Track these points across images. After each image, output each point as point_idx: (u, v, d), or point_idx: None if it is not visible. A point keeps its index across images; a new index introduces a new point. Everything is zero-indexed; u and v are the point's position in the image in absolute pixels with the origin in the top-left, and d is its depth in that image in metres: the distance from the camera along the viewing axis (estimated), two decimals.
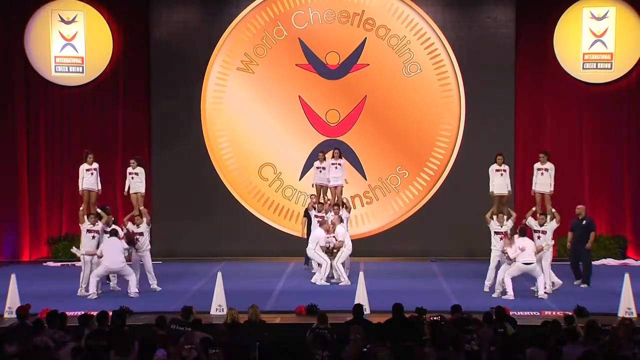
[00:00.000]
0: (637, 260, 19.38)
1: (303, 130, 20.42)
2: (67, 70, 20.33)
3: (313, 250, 16.34)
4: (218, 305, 13.57)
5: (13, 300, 13.38)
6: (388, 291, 14.61)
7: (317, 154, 18.15)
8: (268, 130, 20.45)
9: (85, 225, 15.39)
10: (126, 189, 16.44)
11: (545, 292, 14.78)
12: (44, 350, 8.83)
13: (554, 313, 13.31)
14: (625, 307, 13.37)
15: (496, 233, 15.34)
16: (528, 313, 13.40)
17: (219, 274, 13.83)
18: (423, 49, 20.23)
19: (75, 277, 15.57)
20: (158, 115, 20.38)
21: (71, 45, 20.28)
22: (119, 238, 15.29)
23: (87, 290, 15.00)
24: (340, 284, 16.12)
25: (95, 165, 16.20)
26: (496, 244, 15.31)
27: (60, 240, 19.99)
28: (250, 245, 20.12)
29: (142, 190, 16.30)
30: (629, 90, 20.13)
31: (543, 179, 16.05)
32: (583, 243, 16.16)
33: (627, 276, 13.53)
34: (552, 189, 16.02)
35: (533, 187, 16.22)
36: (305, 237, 17.22)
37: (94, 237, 15.29)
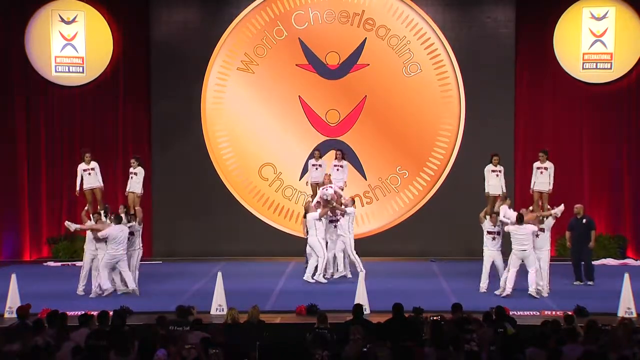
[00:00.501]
0: (636, 260, 19.39)
1: (303, 130, 20.43)
2: (67, 70, 20.35)
3: (315, 237, 16.30)
4: (218, 305, 13.59)
5: (13, 300, 13.39)
6: (388, 291, 14.63)
7: (313, 152, 18.19)
8: (268, 130, 20.46)
9: (89, 224, 15.40)
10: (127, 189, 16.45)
11: (536, 290, 14.75)
12: (44, 350, 8.84)
13: (554, 313, 13.31)
14: (625, 307, 13.38)
15: (489, 233, 15.37)
16: (528, 313, 13.40)
17: (219, 274, 13.83)
18: (423, 49, 20.24)
19: (75, 277, 15.56)
20: (158, 115, 20.39)
21: (71, 46, 20.30)
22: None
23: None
24: (335, 276, 16.29)
25: (93, 164, 16.12)
26: (488, 243, 15.36)
27: (60, 240, 20.01)
28: (250, 245, 20.13)
29: (139, 190, 16.20)
30: (629, 90, 20.13)
31: (542, 178, 16.04)
32: (585, 242, 16.24)
33: (626, 276, 13.55)
34: (550, 187, 16.00)
35: (532, 186, 16.22)
36: (306, 236, 17.19)
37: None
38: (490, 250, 15.33)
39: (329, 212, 16.41)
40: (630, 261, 19.27)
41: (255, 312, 11.18)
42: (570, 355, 8.73)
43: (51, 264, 19.34)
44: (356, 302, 12.65)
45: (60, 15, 20.29)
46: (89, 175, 16.01)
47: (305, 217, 17.28)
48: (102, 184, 16.18)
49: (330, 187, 16.62)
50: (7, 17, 20.22)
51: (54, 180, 20.37)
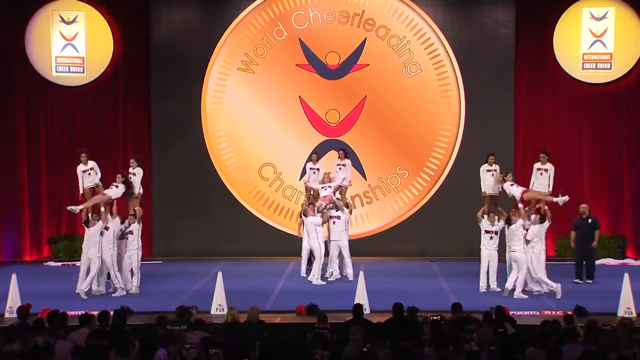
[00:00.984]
0: (636, 260, 19.39)
1: (303, 130, 20.43)
2: (67, 70, 20.35)
3: (316, 240, 16.34)
4: (218, 305, 13.60)
5: (14, 300, 13.42)
6: (388, 291, 14.62)
7: (311, 156, 18.17)
8: (268, 130, 20.46)
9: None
10: None
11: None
12: (44, 350, 8.84)
13: (553, 313, 13.33)
14: (625, 306, 13.40)
15: (487, 232, 15.43)
16: (528, 313, 13.42)
17: (219, 274, 13.85)
18: (423, 49, 20.24)
19: (76, 277, 15.55)
20: (158, 115, 20.40)
21: (72, 46, 20.30)
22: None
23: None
24: (329, 278, 16.37)
25: (91, 163, 16.14)
26: (486, 242, 15.38)
27: (60, 240, 20.02)
28: (250, 245, 20.13)
29: (136, 191, 16.24)
30: (629, 90, 20.14)
31: (542, 179, 16.03)
32: (589, 241, 16.32)
33: (626, 276, 13.56)
34: (550, 189, 15.98)
35: (530, 186, 16.21)
36: (302, 236, 17.18)
37: (102, 233, 15.29)
38: (488, 250, 15.37)
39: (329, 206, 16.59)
40: (630, 261, 19.28)
41: (254, 312, 11.17)
42: (570, 355, 8.73)
43: (51, 264, 19.35)
44: (356, 302, 12.66)
45: (60, 16, 20.30)
46: (89, 176, 16.08)
47: (301, 216, 17.26)
48: (100, 184, 16.19)
49: (329, 186, 16.67)
50: (7, 17, 20.23)
51: (54, 180, 20.37)
